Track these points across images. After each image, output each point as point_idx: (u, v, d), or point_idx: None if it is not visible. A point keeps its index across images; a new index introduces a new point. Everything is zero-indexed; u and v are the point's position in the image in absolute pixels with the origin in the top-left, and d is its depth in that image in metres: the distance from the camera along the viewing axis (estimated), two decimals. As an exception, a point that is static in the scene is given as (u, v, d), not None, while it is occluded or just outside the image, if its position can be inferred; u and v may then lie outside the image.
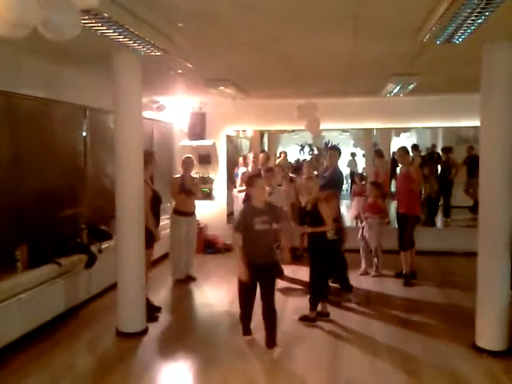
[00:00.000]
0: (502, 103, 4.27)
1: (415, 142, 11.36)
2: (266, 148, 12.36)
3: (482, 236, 4.42)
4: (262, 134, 11.84)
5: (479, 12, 3.22)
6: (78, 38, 2.83)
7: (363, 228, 6.96)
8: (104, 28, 3.54)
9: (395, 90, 6.65)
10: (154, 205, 5.39)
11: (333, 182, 6.37)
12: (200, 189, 7.07)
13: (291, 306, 5.53)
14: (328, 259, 5.14)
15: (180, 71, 5.62)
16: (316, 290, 5.15)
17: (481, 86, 4.39)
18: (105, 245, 5.92)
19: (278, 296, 6.00)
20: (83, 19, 3.22)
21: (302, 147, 15.18)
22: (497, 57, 4.27)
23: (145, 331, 4.86)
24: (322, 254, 5.08)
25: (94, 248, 5.70)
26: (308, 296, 5.22)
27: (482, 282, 4.44)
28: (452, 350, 4.49)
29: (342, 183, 6.88)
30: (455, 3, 3.06)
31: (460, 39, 3.86)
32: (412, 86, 6.28)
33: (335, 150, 6.96)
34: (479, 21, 3.41)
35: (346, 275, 6.09)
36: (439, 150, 11.16)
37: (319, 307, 5.18)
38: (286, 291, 6.21)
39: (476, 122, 4.51)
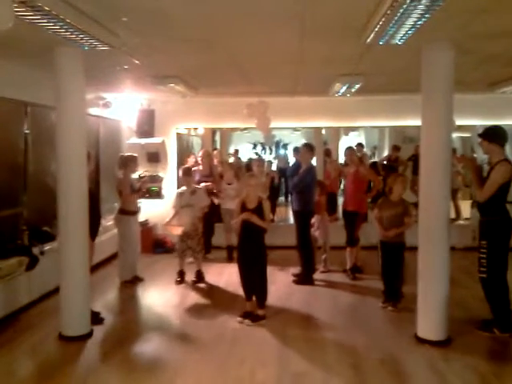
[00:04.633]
0: (442, 103, 4.42)
1: (360, 141, 11.67)
2: (218, 146, 12.30)
3: (422, 230, 4.57)
4: (213, 131, 11.75)
5: (419, 14, 3.34)
6: (17, 31, 2.72)
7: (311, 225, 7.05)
8: (44, 21, 3.40)
9: (342, 90, 6.78)
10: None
11: (306, 181, 6.51)
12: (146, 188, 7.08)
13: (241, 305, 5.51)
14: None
15: (126, 67, 5.48)
16: (266, 288, 5.19)
17: (421, 87, 4.54)
18: (47, 246, 5.71)
19: (227, 294, 6.04)
20: (19, 11, 3.09)
21: (255, 145, 15.24)
22: (436, 57, 4.40)
23: (89, 334, 4.72)
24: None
25: (35, 250, 5.48)
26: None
27: (423, 275, 4.60)
28: (395, 341, 4.62)
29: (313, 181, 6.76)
30: (396, 4, 3.14)
31: (402, 40, 3.98)
32: (358, 85, 6.42)
33: (305, 147, 6.79)
34: (419, 22, 3.53)
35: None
36: (387, 149, 11.49)
37: (248, 306, 5.21)
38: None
39: (420, 122, 4.65)
